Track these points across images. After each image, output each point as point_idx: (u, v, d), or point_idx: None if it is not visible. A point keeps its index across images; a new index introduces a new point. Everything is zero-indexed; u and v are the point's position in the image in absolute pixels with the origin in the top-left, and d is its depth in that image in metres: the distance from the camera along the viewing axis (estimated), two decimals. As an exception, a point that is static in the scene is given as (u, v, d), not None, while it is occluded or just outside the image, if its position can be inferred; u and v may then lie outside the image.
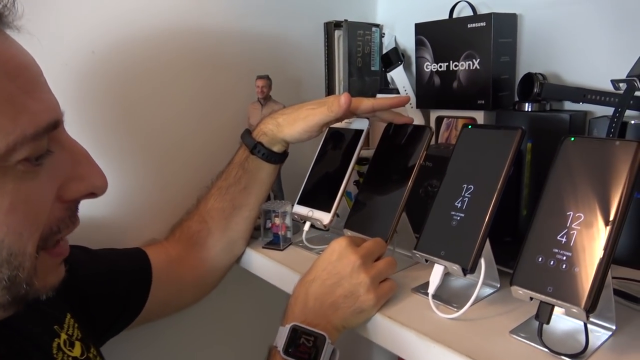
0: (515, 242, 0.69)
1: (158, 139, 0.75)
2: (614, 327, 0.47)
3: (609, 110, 0.63)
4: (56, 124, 0.39)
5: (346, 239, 0.57)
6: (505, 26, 0.74)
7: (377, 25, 0.93)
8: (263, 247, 0.73)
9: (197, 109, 0.79)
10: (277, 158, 0.69)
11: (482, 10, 0.80)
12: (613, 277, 0.49)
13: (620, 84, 0.59)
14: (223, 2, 0.79)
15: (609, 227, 0.43)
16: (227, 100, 0.82)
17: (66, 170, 0.40)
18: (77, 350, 0.52)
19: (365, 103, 0.66)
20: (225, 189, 0.70)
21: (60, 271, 0.44)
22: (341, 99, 0.63)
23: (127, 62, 0.71)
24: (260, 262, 0.72)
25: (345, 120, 0.72)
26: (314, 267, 0.57)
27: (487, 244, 0.53)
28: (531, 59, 0.76)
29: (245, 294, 0.88)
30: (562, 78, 0.73)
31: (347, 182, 0.68)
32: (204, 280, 0.73)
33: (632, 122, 0.58)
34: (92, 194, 0.42)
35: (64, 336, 0.52)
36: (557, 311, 0.45)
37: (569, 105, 0.72)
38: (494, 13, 0.71)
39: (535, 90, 0.69)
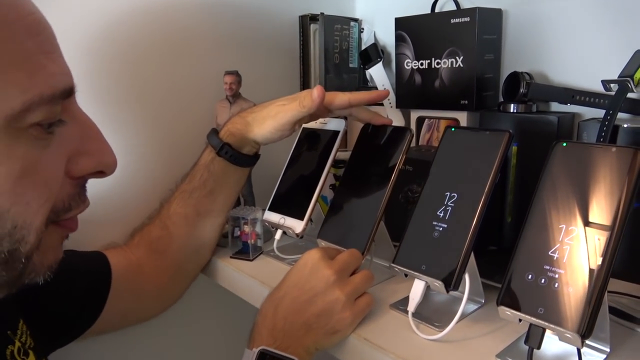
0: (500, 251, 0.66)
1: (119, 137, 0.69)
2: (608, 350, 0.43)
3: (598, 113, 0.59)
4: (71, 91, 0.38)
5: (319, 251, 0.52)
6: (489, 22, 0.70)
7: (355, 20, 0.88)
8: (231, 257, 0.68)
9: (161, 107, 0.73)
10: (246, 161, 0.64)
11: (466, 4, 0.76)
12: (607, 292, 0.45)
13: (612, 85, 0.56)
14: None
15: (605, 242, 0.40)
16: (193, 97, 0.76)
17: (76, 144, 0.39)
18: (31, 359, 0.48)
19: (341, 97, 0.61)
20: (189, 192, 0.64)
21: (59, 251, 0.42)
22: (314, 93, 0.58)
23: (82, 57, 0.64)
24: (228, 273, 0.66)
25: (320, 120, 0.68)
26: (284, 282, 0.52)
27: (472, 257, 0.49)
28: (516, 57, 0.73)
29: (211, 308, 0.83)
30: (548, 78, 0.69)
31: (322, 186, 0.64)
32: (165, 290, 0.68)
33: (625, 125, 0.54)
34: (101, 173, 0.41)
35: (17, 344, 0.47)
36: (549, 333, 0.41)
37: (556, 107, 0.68)
38: (478, 8, 0.67)
39: (522, 90, 0.65)
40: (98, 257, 0.63)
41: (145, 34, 0.70)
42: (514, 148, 0.64)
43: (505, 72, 0.72)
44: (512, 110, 0.66)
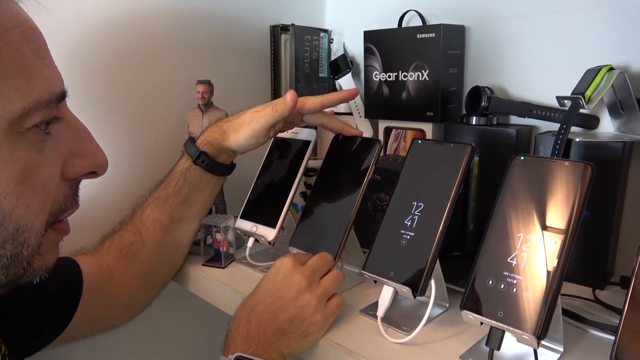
0: (463, 256, 0.69)
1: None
2: (562, 349, 0.47)
3: (554, 126, 0.63)
4: (64, 95, 0.39)
5: (291, 259, 0.54)
6: (453, 38, 0.74)
7: (325, 31, 0.90)
8: (203, 264, 0.68)
9: (133, 114, 0.73)
10: (222, 169, 0.65)
11: (431, 20, 0.79)
12: (560, 295, 0.49)
13: (565, 101, 0.59)
14: (162, 2, 0.74)
15: (561, 244, 0.43)
16: (165, 105, 0.76)
17: (69, 146, 0.40)
18: None
19: (313, 100, 0.63)
20: (163, 199, 0.65)
21: (57, 251, 0.43)
22: (287, 97, 0.60)
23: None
24: (200, 280, 0.67)
25: (292, 130, 0.69)
26: (257, 289, 0.53)
27: (437, 264, 0.52)
28: (478, 71, 0.76)
29: (182, 315, 0.83)
30: (507, 92, 0.73)
31: (294, 194, 0.65)
32: (136, 297, 0.68)
33: (577, 139, 0.59)
34: (94, 173, 0.42)
35: None
36: (508, 335, 0.44)
37: (514, 120, 0.72)
38: (443, 24, 0.70)
39: (483, 103, 0.68)
40: (69, 263, 0.62)
41: (118, 42, 0.70)
42: (476, 159, 0.68)
43: (468, 86, 0.75)
44: (474, 123, 0.70)
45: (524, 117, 0.68)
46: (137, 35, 0.72)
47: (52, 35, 0.62)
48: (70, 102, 0.67)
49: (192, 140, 0.65)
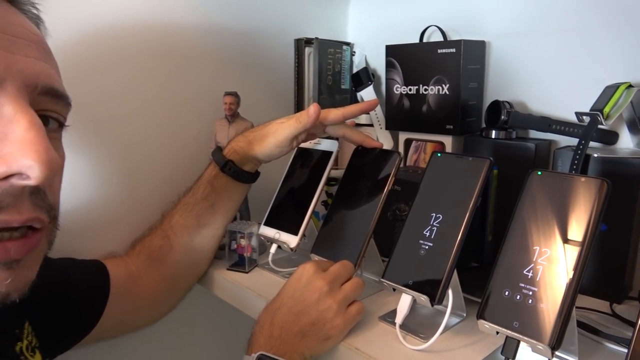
0: (481, 267, 0.70)
1: (123, 151, 0.72)
2: (576, 361, 0.48)
3: (573, 141, 0.64)
4: None
5: (313, 265, 0.56)
6: (474, 53, 0.75)
7: (347, 44, 0.92)
8: (227, 269, 0.71)
9: (162, 124, 0.76)
10: (247, 177, 0.68)
11: (452, 35, 0.81)
12: (575, 307, 0.50)
13: (584, 117, 0.61)
14: (191, 15, 0.77)
15: (574, 264, 0.44)
16: (194, 116, 0.79)
17: None
18: (37, 358, 0.50)
19: (334, 112, 0.65)
20: (191, 205, 0.68)
21: (3, 276, 0.35)
22: (310, 109, 0.62)
23: (88, 76, 0.67)
24: (224, 284, 0.69)
25: (314, 141, 0.71)
26: (280, 294, 0.55)
27: (455, 274, 0.53)
28: (498, 86, 0.78)
29: (207, 317, 0.85)
30: (527, 106, 0.74)
31: (316, 203, 0.67)
32: (162, 299, 0.71)
33: (595, 155, 0.60)
34: (20, 175, 0.34)
35: (25, 341, 0.50)
36: (523, 344, 0.45)
37: (534, 134, 0.73)
38: (463, 40, 0.72)
39: (503, 117, 0.70)
40: (97, 266, 0.65)
41: (149, 54, 0.73)
42: (495, 171, 0.69)
43: (488, 100, 0.77)
44: (493, 136, 0.71)
45: (543, 131, 0.69)
46: (168, 48, 0.75)
47: (89, 46, 0.67)
48: (107, 112, 0.70)
49: (219, 149, 0.68)
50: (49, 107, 0.39)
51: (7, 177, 0.34)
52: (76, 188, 0.67)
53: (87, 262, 0.65)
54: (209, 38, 0.80)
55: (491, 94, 0.78)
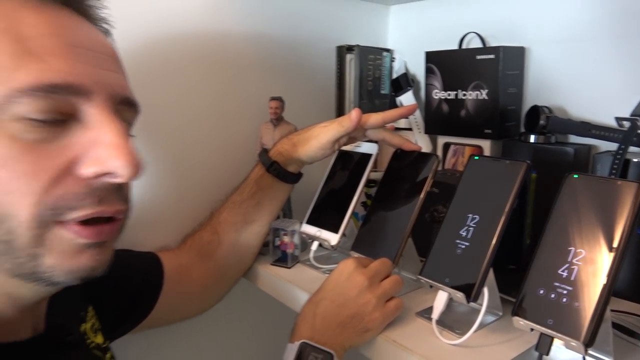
0: (519, 270, 0.71)
1: (177, 153, 0.78)
2: (611, 361, 0.49)
3: (612, 145, 0.65)
4: (77, 89, 0.38)
5: (354, 261, 0.59)
6: (513, 59, 0.77)
7: (387, 50, 0.95)
8: (271, 264, 0.75)
9: (214, 127, 0.81)
10: (291, 178, 0.72)
11: (491, 42, 0.83)
12: (612, 310, 0.51)
13: (624, 122, 0.61)
14: (239, 24, 0.82)
15: (608, 265, 0.45)
16: (242, 120, 0.84)
17: (84, 145, 0.39)
18: (99, 339, 0.55)
19: (375, 117, 0.68)
20: (239, 203, 0.72)
21: (86, 259, 0.40)
22: (352, 114, 0.66)
23: (146, 83, 0.73)
24: (268, 278, 0.73)
25: (354, 144, 0.74)
26: (322, 287, 0.59)
27: (491, 272, 0.55)
28: (538, 91, 0.79)
29: (251, 309, 0.90)
30: (567, 111, 0.75)
31: (356, 203, 0.70)
32: (211, 291, 0.75)
33: (635, 159, 0.60)
34: (110, 175, 0.39)
35: (89, 323, 0.55)
36: (557, 342, 0.47)
37: (573, 138, 0.74)
38: (502, 46, 0.74)
39: (541, 122, 0.71)
40: (152, 258, 0.70)
41: (201, 63, 0.79)
42: (533, 175, 0.70)
43: (527, 105, 0.78)
44: (532, 141, 0.72)
45: (583, 136, 0.69)
46: (218, 56, 0.80)
47: (149, 56, 0.72)
48: (160, 116, 0.75)
49: (265, 151, 0.73)
50: (125, 115, 0.44)
51: (101, 175, 0.39)
52: (136, 187, 0.72)
53: (144, 254, 0.70)
54: (257, 47, 0.84)
55: (531, 99, 0.79)
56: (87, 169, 0.39)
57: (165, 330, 0.75)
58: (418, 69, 0.95)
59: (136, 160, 0.40)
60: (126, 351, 0.66)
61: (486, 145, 0.78)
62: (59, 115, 0.37)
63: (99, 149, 0.39)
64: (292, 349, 0.53)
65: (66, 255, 0.39)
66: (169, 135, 0.76)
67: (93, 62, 0.40)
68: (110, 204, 0.41)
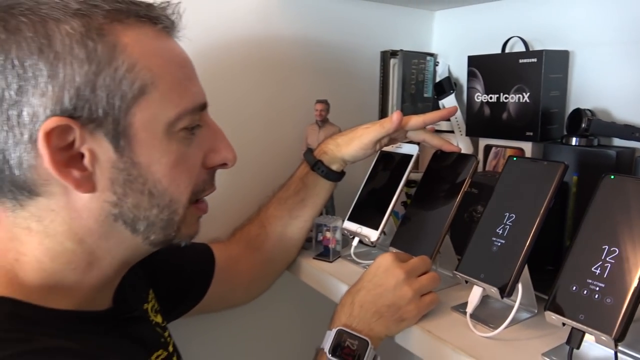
0: (557, 271, 0.72)
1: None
2: (645, 359, 0.49)
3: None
4: (204, 105, 0.51)
5: (392, 255, 0.62)
6: (556, 62, 0.77)
7: (431, 55, 0.97)
8: (313, 258, 0.78)
9: (262, 128, 0.87)
10: (334, 176, 0.75)
11: (535, 45, 0.83)
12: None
13: (668, 125, 0.61)
14: (289, 30, 0.87)
15: (642, 263, 0.46)
16: (289, 121, 0.89)
17: (208, 143, 0.52)
18: (159, 318, 0.61)
19: (415, 119, 0.71)
20: (284, 199, 0.77)
21: (198, 225, 0.55)
22: (393, 116, 0.69)
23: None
24: (310, 272, 0.77)
25: (395, 145, 0.77)
26: (361, 278, 0.62)
27: (526, 270, 0.57)
28: (582, 94, 0.79)
29: (294, 300, 0.95)
30: (611, 114, 0.75)
31: (395, 202, 0.73)
32: (257, 281, 0.80)
33: (678, 162, 0.60)
34: (224, 164, 0.54)
35: (150, 304, 0.62)
36: (588, 338, 0.48)
37: (617, 142, 0.74)
38: (545, 50, 0.74)
39: (583, 125, 0.71)
40: (205, 249, 0.76)
41: (251, 64, 0.84)
42: (575, 178, 0.70)
43: (571, 108, 0.78)
44: (574, 143, 0.73)
45: (626, 139, 0.69)
46: (268, 60, 0.86)
47: (205, 60, 0.78)
48: (218, 112, 0.81)
49: (310, 150, 0.77)
50: None
51: (219, 165, 0.54)
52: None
53: (198, 245, 0.76)
54: (304, 51, 0.89)
55: (575, 102, 0.79)
56: (214, 161, 0.53)
57: (214, 316, 0.80)
58: (461, 73, 0.96)
59: (235, 153, 0.55)
60: (178, 333, 0.72)
61: (527, 147, 0.79)
62: (197, 123, 0.50)
63: (217, 144, 0.53)
64: (330, 335, 0.57)
65: (191, 225, 0.53)
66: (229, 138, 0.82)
67: (197, 78, 0.52)
68: (214, 185, 0.55)
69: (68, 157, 0.43)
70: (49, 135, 0.41)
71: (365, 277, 0.61)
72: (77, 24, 0.42)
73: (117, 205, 0.46)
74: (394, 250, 0.69)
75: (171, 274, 0.70)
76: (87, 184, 0.44)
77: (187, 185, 0.50)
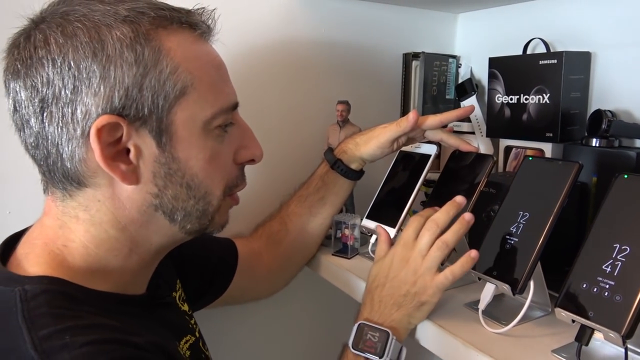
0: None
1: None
2: (657, 358, 0.49)
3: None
4: (236, 105, 0.55)
5: (401, 240, 0.62)
6: (577, 63, 0.77)
7: (454, 57, 0.98)
8: (332, 255, 0.81)
9: (284, 127, 0.90)
10: (353, 175, 0.77)
11: (556, 47, 0.83)
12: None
13: (689, 126, 0.61)
14: (312, 32, 0.90)
15: (653, 261, 0.46)
16: (310, 121, 0.92)
17: (239, 140, 0.56)
18: (186, 307, 0.65)
19: (432, 118, 0.73)
20: (305, 197, 0.79)
21: (228, 215, 0.59)
22: (409, 115, 0.71)
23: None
24: (329, 268, 0.80)
25: (414, 145, 0.79)
26: (377, 274, 0.63)
27: (539, 268, 0.57)
28: (604, 95, 0.78)
29: (313, 295, 0.97)
30: (633, 116, 0.74)
31: (413, 201, 0.74)
32: (278, 276, 0.83)
33: (697, 163, 0.59)
34: (252, 160, 0.58)
35: (178, 293, 0.65)
36: (598, 335, 0.48)
37: None
38: (565, 51, 0.75)
39: (603, 126, 0.71)
40: (229, 243, 0.79)
41: (276, 66, 0.87)
42: (594, 179, 0.70)
43: (593, 109, 0.78)
44: (594, 144, 0.72)
45: (648, 140, 0.69)
46: (287, 58, 0.89)
47: (234, 61, 0.81)
48: (246, 112, 0.85)
49: (330, 149, 0.79)
50: None
51: (249, 161, 0.58)
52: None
53: (222, 239, 0.79)
54: (326, 52, 0.92)
55: (597, 104, 0.79)
56: (244, 157, 0.56)
57: (237, 308, 0.83)
58: (484, 75, 0.96)
59: (262, 149, 0.58)
60: (203, 323, 0.76)
61: (547, 148, 0.79)
62: (229, 122, 0.53)
63: (247, 142, 0.57)
64: (353, 330, 0.59)
65: (223, 215, 0.57)
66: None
67: (229, 78, 0.55)
68: (245, 181, 0.59)
69: (115, 152, 0.47)
70: (100, 131, 0.45)
71: (381, 272, 0.63)
72: (126, 30, 0.45)
73: (158, 196, 0.50)
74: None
75: (197, 266, 0.73)
76: (132, 176, 0.48)
77: (220, 179, 0.53)
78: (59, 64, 0.44)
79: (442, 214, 0.62)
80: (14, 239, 0.52)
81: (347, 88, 0.94)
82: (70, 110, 0.45)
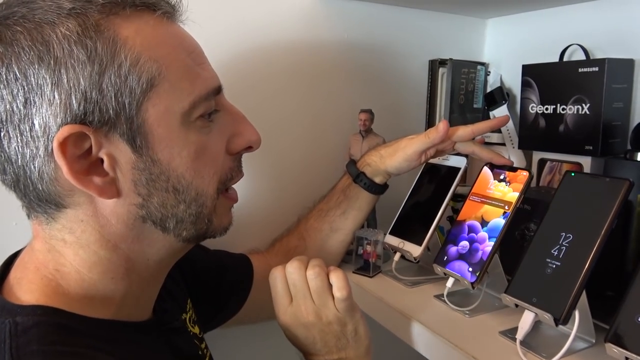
0: (618, 297, 0.66)
1: (266, 162, 0.83)
2: None
3: None
4: (219, 89, 0.49)
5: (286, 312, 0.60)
6: (620, 72, 0.72)
7: (482, 64, 0.93)
8: (353, 272, 0.76)
9: (304, 137, 0.86)
10: (377, 189, 0.73)
11: (597, 54, 0.78)
12: None
13: None
14: (334, 37, 0.86)
15: None
16: (331, 131, 0.88)
17: (230, 128, 0.50)
18: (196, 329, 0.61)
19: (463, 129, 0.68)
20: (325, 211, 0.75)
21: (231, 216, 0.53)
22: (439, 126, 0.66)
23: (242, 90, 0.79)
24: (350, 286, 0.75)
25: (442, 157, 0.74)
26: (306, 338, 0.59)
27: (584, 296, 0.52)
28: (649, 106, 0.73)
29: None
30: (683, 128, 0.68)
31: (441, 217, 0.70)
32: None
33: None
34: (250, 148, 0.52)
35: (189, 314, 0.61)
36: (656, 376, 0.43)
37: (690, 158, 0.67)
38: (607, 58, 0.69)
39: (650, 140, 0.65)
40: (244, 259, 0.75)
41: (295, 70, 0.83)
42: (639, 196, 0.65)
43: (636, 120, 0.72)
44: (639, 159, 0.67)
45: (700, 155, 0.63)
46: (309, 64, 0.85)
47: (248, 64, 0.78)
48: (265, 120, 0.82)
49: (353, 162, 0.75)
50: None
51: (245, 148, 0.52)
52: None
53: (236, 255, 0.75)
54: (349, 59, 0.88)
55: (640, 115, 0.73)
56: (239, 145, 0.51)
57: (252, 327, 0.79)
58: (514, 83, 0.92)
59: (259, 133, 0.52)
60: (215, 344, 0.72)
61: (586, 162, 0.74)
62: (213, 109, 0.48)
63: (239, 127, 0.51)
64: None
65: (223, 216, 0.51)
66: (267, 148, 0.81)
67: (208, 61, 0.49)
68: (241, 171, 0.53)
69: (87, 165, 0.42)
70: (63, 144, 0.40)
71: (306, 339, 0.59)
72: (72, 25, 0.39)
73: (144, 206, 0.45)
74: (439, 268, 0.66)
75: (210, 284, 0.69)
76: (111, 189, 0.43)
77: (212, 175, 0.48)
78: (3, 76, 0.39)
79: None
80: (13, 258, 0.49)
81: (370, 96, 0.89)
82: (27, 127, 0.40)
